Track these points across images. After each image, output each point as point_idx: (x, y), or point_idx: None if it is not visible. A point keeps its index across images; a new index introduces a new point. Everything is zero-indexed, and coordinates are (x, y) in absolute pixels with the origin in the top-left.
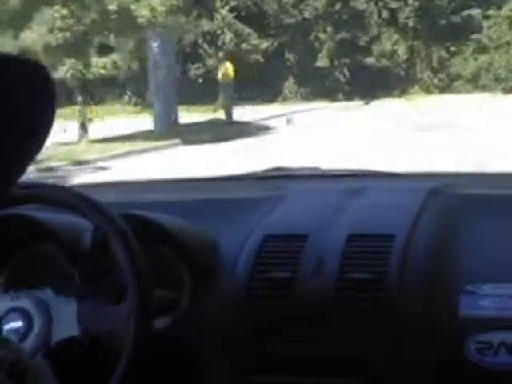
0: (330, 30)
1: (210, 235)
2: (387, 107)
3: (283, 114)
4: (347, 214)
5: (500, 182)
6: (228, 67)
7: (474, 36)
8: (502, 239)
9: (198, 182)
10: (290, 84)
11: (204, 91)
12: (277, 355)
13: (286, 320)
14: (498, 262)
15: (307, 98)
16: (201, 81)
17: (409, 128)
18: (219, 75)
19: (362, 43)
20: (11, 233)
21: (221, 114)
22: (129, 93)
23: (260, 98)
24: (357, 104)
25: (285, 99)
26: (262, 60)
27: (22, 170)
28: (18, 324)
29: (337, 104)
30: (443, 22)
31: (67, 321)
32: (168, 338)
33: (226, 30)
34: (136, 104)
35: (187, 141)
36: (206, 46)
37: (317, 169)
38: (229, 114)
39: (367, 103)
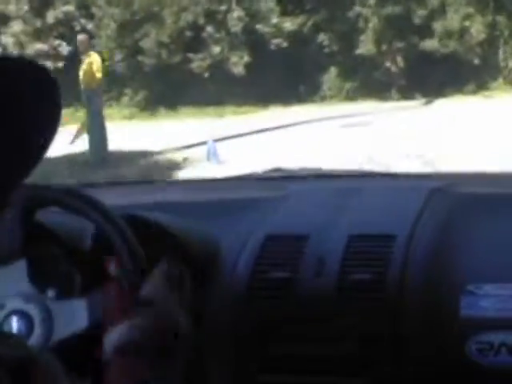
0: (372, 2)
1: (211, 236)
2: (452, 112)
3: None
4: (348, 214)
5: (501, 182)
6: (93, 61)
7: None
8: (502, 239)
9: (199, 183)
10: (331, 78)
11: (212, 89)
12: (278, 355)
13: (287, 320)
14: (499, 262)
15: (353, 96)
16: (207, 75)
17: None
18: (80, 75)
19: (418, 20)
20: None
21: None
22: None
23: (291, 98)
24: (415, 104)
25: (323, 99)
26: (285, 46)
27: (27, 172)
28: (18, 326)
29: (388, 105)
30: None
31: (69, 319)
32: None
33: (233, 4)
34: (138, 105)
35: None
36: (210, 28)
37: (318, 169)
38: (96, 142)
39: (428, 103)
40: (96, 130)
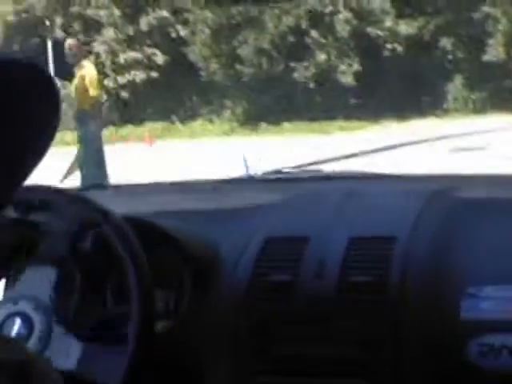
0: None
1: (210, 238)
2: None
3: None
4: (348, 216)
5: (501, 185)
6: (86, 74)
7: None
8: (503, 241)
9: (199, 185)
10: (456, 88)
11: (318, 101)
12: (278, 357)
13: (288, 322)
14: (500, 264)
15: (482, 109)
16: (312, 85)
17: None
18: (71, 92)
19: None
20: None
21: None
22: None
23: (408, 111)
24: None
25: (447, 111)
26: (400, 51)
27: (26, 176)
28: (18, 328)
29: None
30: None
31: (61, 352)
32: (169, 340)
33: (340, 5)
34: (238, 119)
35: None
36: (314, 32)
37: (318, 171)
38: (91, 178)
39: None
40: (90, 163)
